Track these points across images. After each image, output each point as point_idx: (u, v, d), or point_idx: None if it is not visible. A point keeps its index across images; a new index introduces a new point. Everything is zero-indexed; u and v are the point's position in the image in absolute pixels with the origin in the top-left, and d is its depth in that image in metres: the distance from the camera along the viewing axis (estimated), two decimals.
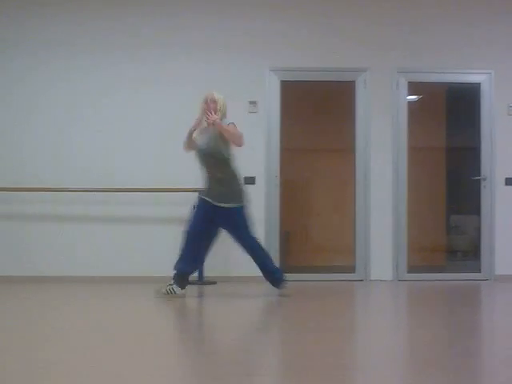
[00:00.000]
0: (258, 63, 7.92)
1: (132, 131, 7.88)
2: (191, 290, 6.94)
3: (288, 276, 7.70)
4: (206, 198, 6.20)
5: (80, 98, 7.90)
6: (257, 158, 7.81)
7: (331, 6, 8.00)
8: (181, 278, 6.22)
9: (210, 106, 6.18)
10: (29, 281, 7.52)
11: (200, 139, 6.28)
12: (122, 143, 7.87)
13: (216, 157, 6.19)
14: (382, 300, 7.00)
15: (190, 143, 6.32)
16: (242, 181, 6.42)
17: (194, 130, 6.28)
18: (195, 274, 7.34)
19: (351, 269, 8.02)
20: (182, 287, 6.22)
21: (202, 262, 6.66)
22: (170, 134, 7.59)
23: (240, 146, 6.22)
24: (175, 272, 6.22)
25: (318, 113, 9.47)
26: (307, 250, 9.33)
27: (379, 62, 8.02)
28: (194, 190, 6.86)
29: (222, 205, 6.15)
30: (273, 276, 6.37)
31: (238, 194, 6.24)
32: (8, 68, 7.92)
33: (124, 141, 7.87)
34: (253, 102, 7.88)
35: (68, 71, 7.90)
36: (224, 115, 6.25)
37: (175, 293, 6.16)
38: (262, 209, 7.77)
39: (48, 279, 7.57)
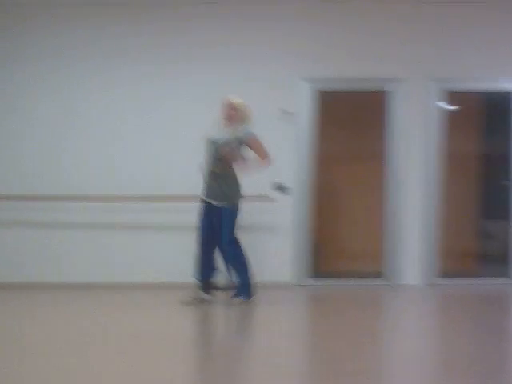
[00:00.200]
0: (290, 72, 8.00)
1: (162, 142, 8.05)
2: (221, 295, 7.17)
3: (318, 281, 7.96)
4: (205, 199, 6.32)
5: (129, 106, 8.11)
6: (288, 167, 7.94)
7: (366, 16, 8.05)
8: (204, 285, 6.37)
9: (229, 113, 6.30)
10: (56, 287, 7.68)
11: (219, 132, 6.35)
12: (150, 152, 8.05)
13: (225, 157, 6.30)
14: (414, 305, 7.02)
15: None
16: (241, 182, 6.47)
17: None
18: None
19: (380, 274, 8.14)
20: (208, 293, 6.38)
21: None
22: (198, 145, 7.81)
23: (269, 166, 6.39)
24: (196, 280, 6.38)
25: (350, 122, 9.56)
26: (337, 255, 9.43)
27: (414, 71, 8.06)
28: None
29: (216, 203, 6.27)
30: (240, 287, 6.36)
31: (232, 195, 6.32)
32: (48, 79, 8.16)
33: (154, 150, 8.06)
34: (285, 111, 8.00)
35: (109, 82, 8.12)
36: (247, 121, 6.31)
37: (201, 299, 6.30)
38: (292, 216, 7.93)
39: (75, 285, 7.74)
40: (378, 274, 8.14)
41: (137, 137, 8.06)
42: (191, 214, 7.30)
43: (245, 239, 7.70)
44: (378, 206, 8.49)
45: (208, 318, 5.98)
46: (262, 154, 6.34)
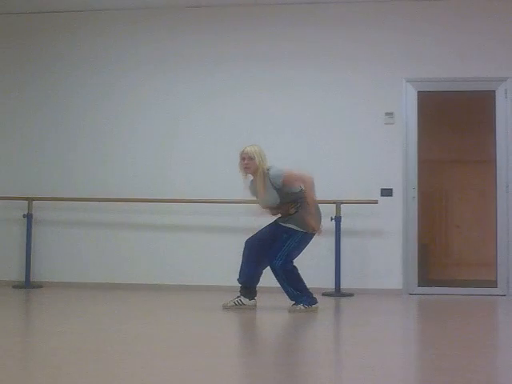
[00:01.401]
0: (394, 74, 7.80)
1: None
2: (327, 301, 6.96)
3: (426, 290, 7.63)
4: (280, 223, 6.10)
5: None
6: (394, 170, 7.71)
7: (468, 16, 7.78)
8: (247, 290, 6.19)
9: (247, 164, 6.03)
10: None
11: (255, 194, 6.12)
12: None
13: (288, 199, 6.03)
14: None
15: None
16: (317, 209, 6.13)
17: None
18: (332, 286, 7.40)
19: (493, 283, 7.73)
20: (251, 298, 6.19)
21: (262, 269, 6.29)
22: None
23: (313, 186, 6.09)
24: (240, 284, 6.21)
25: (455, 123, 9.27)
26: (446, 263, 9.12)
27: None
28: None
29: (287, 225, 6.01)
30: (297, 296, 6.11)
31: (304, 221, 5.98)
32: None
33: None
34: (389, 114, 7.79)
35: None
36: (264, 162, 6.03)
37: (243, 304, 6.13)
38: (399, 221, 7.66)
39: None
40: (490, 283, 7.73)
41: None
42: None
43: (352, 245, 7.54)
44: (487, 211, 8.14)
45: (308, 325, 5.71)
46: (304, 181, 6.06)
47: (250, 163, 6.01)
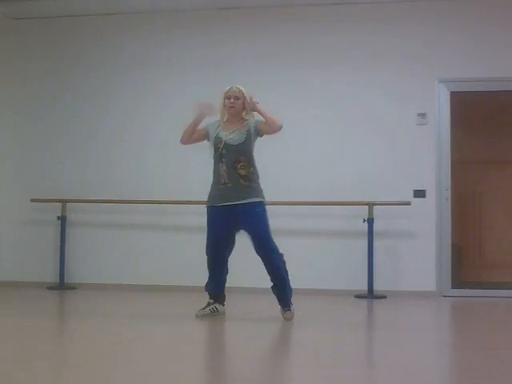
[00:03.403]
0: (426, 74, 7.73)
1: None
2: (360, 303, 6.93)
3: (460, 292, 7.56)
4: (227, 203, 5.58)
5: None
6: (427, 171, 7.64)
7: (499, 15, 7.67)
8: (218, 296, 5.81)
9: (233, 104, 5.61)
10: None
11: (224, 134, 5.65)
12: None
13: (245, 154, 5.61)
14: None
15: (192, 135, 5.76)
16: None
17: (199, 121, 5.75)
18: (365, 288, 7.36)
19: None
20: (223, 303, 5.81)
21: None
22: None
23: (281, 128, 5.60)
24: (211, 293, 5.81)
25: (489, 124, 9.17)
26: (480, 264, 9.03)
27: None
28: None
29: (243, 201, 5.55)
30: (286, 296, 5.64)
31: (259, 191, 5.61)
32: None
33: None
34: (421, 114, 7.72)
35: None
36: (247, 104, 5.62)
37: (218, 311, 5.75)
38: (432, 222, 7.59)
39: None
40: None
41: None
42: None
43: (384, 246, 7.50)
44: None
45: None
46: (277, 118, 5.60)
47: (236, 103, 5.64)
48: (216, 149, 5.65)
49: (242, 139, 5.61)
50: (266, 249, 5.54)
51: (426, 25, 7.79)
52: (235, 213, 5.58)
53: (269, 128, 5.63)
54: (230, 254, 5.78)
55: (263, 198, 5.65)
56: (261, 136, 5.69)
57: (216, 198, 5.65)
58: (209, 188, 5.74)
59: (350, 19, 7.92)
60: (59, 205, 7.99)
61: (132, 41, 8.32)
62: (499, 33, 7.68)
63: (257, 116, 5.70)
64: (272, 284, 5.63)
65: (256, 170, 5.66)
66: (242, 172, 5.57)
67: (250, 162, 5.62)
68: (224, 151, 5.59)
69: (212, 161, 5.71)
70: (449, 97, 7.77)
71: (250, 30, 8.11)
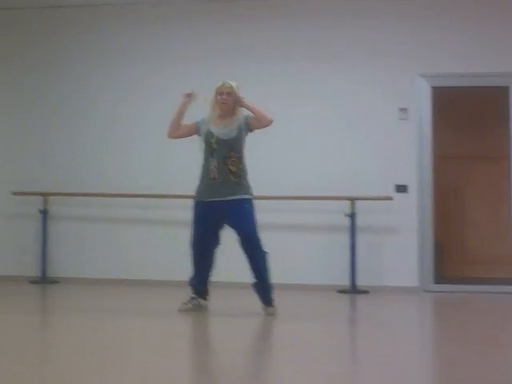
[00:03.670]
0: (407, 69, 7.73)
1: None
2: (343, 298, 6.97)
3: (442, 287, 7.61)
4: (211, 199, 5.60)
5: None
6: (409, 166, 7.67)
7: (482, 10, 7.70)
8: (202, 291, 5.81)
9: (226, 100, 5.62)
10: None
11: (215, 128, 5.65)
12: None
13: (236, 149, 5.63)
14: None
15: (178, 128, 5.77)
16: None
17: (182, 112, 5.74)
18: (347, 283, 7.40)
19: (509, 281, 7.69)
20: (206, 298, 5.82)
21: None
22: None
23: (271, 122, 5.59)
24: (194, 287, 5.81)
25: (470, 119, 9.23)
26: (462, 260, 9.09)
27: None
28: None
29: (232, 197, 5.56)
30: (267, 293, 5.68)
31: (248, 188, 5.63)
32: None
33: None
34: (403, 109, 7.73)
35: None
36: (238, 101, 5.66)
37: (201, 305, 5.76)
38: (414, 218, 7.62)
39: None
40: (506, 281, 7.69)
41: None
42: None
43: (367, 241, 7.53)
44: (503, 208, 8.10)
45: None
46: (266, 112, 5.61)
47: (228, 99, 5.65)
48: (207, 143, 5.65)
49: (233, 134, 5.62)
50: (253, 246, 5.56)
51: (406, 20, 7.80)
52: (223, 209, 5.58)
53: (259, 123, 5.65)
54: (216, 250, 5.77)
55: (252, 195, 5.66)
56: (251, 131, 5.71)
57: (205, 193, 5.65)
58: (196, 182, 5.73)
59: (328, 14, 7.90)
60: (41, 198, 7.94)
61: (118, 33, 8.28)
62: (481, 28, 7.71)
63: (245, 112, 5.70)
64: (254, 281, 5.65)
65: (245, 167, 5.67)
66: (233, 168, 5.59)
67: (240, 159, 5.63)
68: (215, 146, 5.60)
69: (201, 155, 5.71)
70: (430, 92, 7.78)
71: (248, 23, 8.08)
